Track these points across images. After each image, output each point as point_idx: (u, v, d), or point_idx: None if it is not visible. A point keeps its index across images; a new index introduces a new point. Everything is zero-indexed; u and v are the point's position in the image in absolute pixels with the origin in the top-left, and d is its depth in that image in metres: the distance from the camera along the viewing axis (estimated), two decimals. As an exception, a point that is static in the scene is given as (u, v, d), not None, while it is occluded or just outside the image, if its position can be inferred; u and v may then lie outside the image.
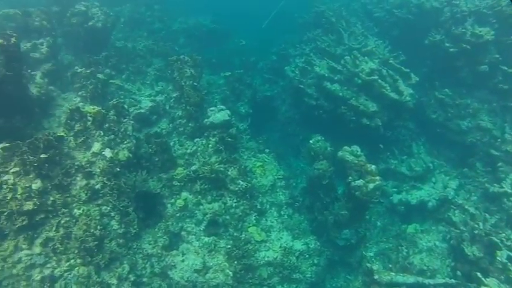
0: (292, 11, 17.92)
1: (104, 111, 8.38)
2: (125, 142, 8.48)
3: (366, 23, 14.90)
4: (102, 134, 8.26)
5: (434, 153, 12.56)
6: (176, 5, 20.06)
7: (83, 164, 7.87)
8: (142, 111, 9.83)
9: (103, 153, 8.02)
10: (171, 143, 9.44)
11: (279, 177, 9.88)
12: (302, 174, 11.80)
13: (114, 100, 8.82)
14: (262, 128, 12.98)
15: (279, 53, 16.93)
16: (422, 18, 14.01)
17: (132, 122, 8.73)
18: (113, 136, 8.38)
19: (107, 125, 8.45)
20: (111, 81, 10.90)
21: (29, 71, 9.78)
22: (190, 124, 9.50)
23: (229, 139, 8.95)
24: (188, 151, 9.12)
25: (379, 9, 15.71)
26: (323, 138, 9.96)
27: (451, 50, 12.19)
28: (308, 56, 12.54)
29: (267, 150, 10.43)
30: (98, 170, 7.87)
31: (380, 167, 11.25)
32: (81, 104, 9.39)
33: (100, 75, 10.20)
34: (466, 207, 10.36)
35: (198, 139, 9.24)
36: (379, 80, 10.36)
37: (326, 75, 11.08)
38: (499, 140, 11.52)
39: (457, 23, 12.58)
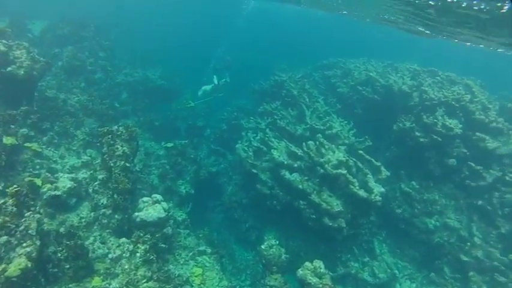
0: (248, 74, 16.60)
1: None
2: (24, 245, 6.10)
3: (328, 98, 13.86)
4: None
5: (397, 252, 11.35)
6: (124, 54, 18.18)
7: None
8: (58, 193, 7.52)
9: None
10: (91, 238, 7.24)
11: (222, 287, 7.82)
12: (247, 269, 10.10)
13: (15, 186, 6.49)
14: (204, 209, 11.07)
15: (229, 122, 15.45)
16: (389, 99, 13.28)
17: (38, 215, 6.39)
18: (5, 238, 6.02)
19: (0, 220, 6.09)
20: (26, 144, 8.63)
21: None
22: (116, 216, 7.44)
23: (162, 245, 6.94)
24: (111, 255, 6.91)
25: (342, 84, 14.90)
26: (277, 242, 8.20)
27: (422, 140, 11.35)
28: (264, 133, 10.95)
29: (208, 251, 8.47)
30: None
31: (339, 271, 9.76)
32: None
33: (8, 140, 7.86)
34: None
35: (124, 239, 7.12)
36: (347, 175, 8.86)
37: (285, 162, 9.44)
38: (468, 243, 10.49)
39: (426, 111, 11.90)
